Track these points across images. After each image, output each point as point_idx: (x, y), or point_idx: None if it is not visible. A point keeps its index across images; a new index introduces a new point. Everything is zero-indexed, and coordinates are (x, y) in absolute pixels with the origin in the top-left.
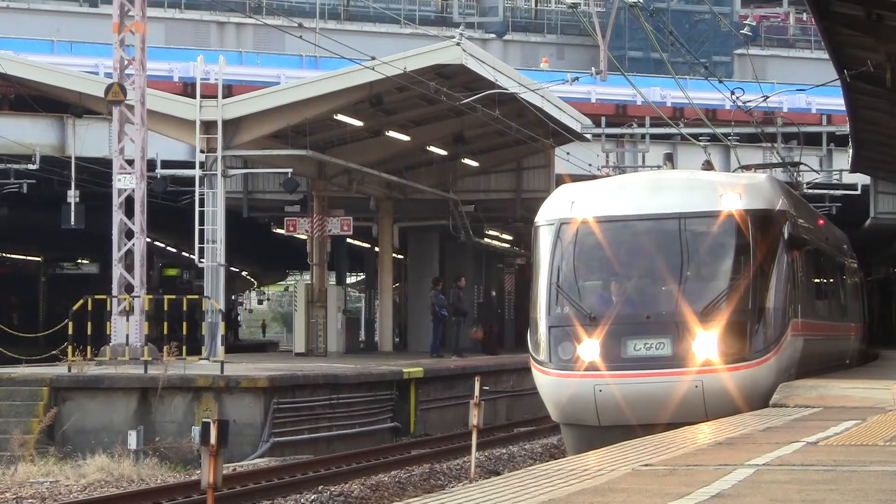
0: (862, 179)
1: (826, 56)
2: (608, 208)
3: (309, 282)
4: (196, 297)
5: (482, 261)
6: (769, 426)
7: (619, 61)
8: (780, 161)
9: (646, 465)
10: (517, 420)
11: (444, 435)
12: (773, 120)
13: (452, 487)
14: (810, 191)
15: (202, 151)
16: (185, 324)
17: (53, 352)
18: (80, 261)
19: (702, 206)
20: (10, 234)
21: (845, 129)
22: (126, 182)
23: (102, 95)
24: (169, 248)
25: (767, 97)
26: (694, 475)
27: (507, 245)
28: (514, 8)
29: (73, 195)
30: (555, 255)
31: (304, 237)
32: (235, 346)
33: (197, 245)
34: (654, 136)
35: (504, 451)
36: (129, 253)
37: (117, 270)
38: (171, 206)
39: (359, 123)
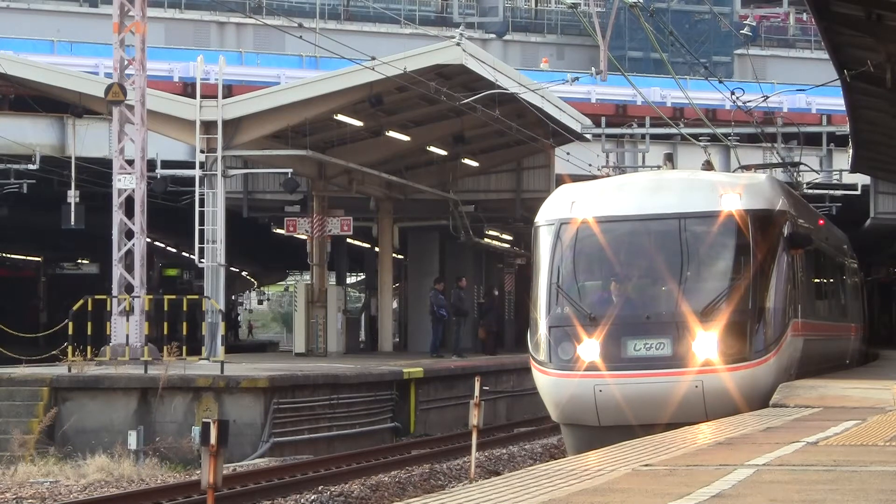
0: (862, 179)
1: (826, 56)
2: (608, 208)
3: (309, 282)
4: (196, 297)
5: (482, 261)
6: (769, 426)
7: (619, 61)
8: (780, 161)
9: (646, 465)
10: (517, 420)
11: (444, 435)
12: (773, 120)
13: (452, 487)
14: (810, 191)
15: (202, 151)
16: (185, 324)
17: (53, 352)
18: (80, 261)
19: (702, 207)
20: (10, 234)
21: (845, 129)
22: (126, 182)
23: (102, 95)
24: (169, 248)
25: (767, 97)
26: (694, 475)
27: (507, 245)
28: (514, 8)
29: (73, 195)
30: (555, 255)
31: (304, 237)
32: (235, 346)
33: (197, 245)
34: (654, 137)
35: (504, 451)
36: (129, 253)
37: (117, 270)
38: (171, 206)
39: (359, 123)
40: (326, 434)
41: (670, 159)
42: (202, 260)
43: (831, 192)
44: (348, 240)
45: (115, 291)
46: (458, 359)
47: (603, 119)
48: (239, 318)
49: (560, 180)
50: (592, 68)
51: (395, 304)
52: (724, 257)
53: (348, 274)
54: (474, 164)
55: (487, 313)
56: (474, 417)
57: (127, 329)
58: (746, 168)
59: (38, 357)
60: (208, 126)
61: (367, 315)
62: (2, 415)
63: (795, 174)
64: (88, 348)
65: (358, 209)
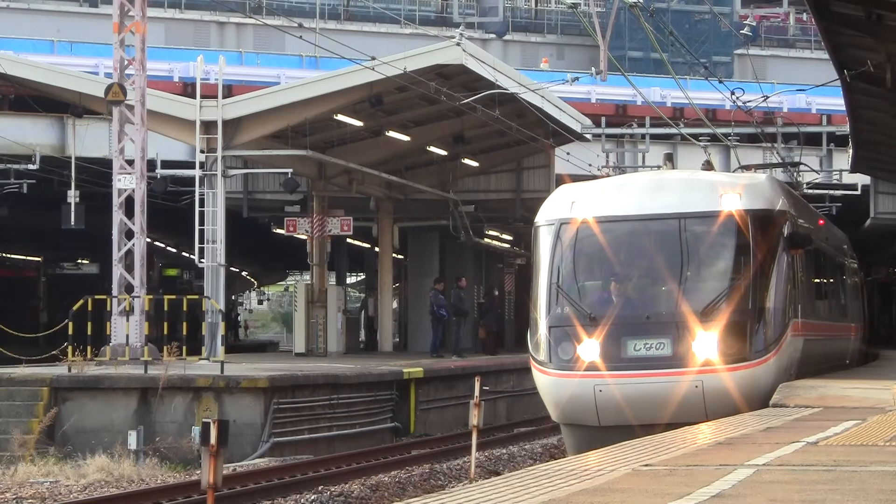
0: (862, 179)
1: (826, 56)
2: (608, 208)
3: (309, 282)
4: (196, 297)
5: (482, 261)
6: (769, 426)
7: (619, 61)
8: (780, 161)
9: (646, 465)
10: (517, 420)
11: (444, 435)
12: (773, 120)
13: (452, 487)
14: (810, 191)
15: (202, 151)
16: (185, 324)
17: (53, 352)
18: (80, 261)
19: (702, 207)
20: (10, 234)
21: (845, 129)
22: (126, 182)
23: (102, 95)
24: (169, 248)
25: (767, 97)
26: (694, 475)
27: (507, 245)
28: (514, 8)
29: (73, 195)
30: (555, 255)
31: (304, 237)
32: (235, 346)
33: (197, 245)
34: (654, 137)
35: (504, 451)
36: (129, 253)
37: (117, 270)
38: (171, 206)
39: (359, 123)
40: (326, 434)
41: (670, 159)
42: (202, 260)
43: (831, 192)
44: (348, 240)
45: (115, 291)
46: (458, 359)
47: (603, 119)
48: (239, 318)
49: (560, 180)
50: (592, 68)
51: (395, 304)
52: (724, 257)
53: (348, 274)
54: (474, 164)
55: (487, 313)
56: (474, 417)
57: (127, 329)
58: (746, 168)
59: (38, 357)
60: (208, 126)
61: (364, 315)
62: (2, 415)
63: (795, 174)
64: (88, 348)
65: (358, 209)
